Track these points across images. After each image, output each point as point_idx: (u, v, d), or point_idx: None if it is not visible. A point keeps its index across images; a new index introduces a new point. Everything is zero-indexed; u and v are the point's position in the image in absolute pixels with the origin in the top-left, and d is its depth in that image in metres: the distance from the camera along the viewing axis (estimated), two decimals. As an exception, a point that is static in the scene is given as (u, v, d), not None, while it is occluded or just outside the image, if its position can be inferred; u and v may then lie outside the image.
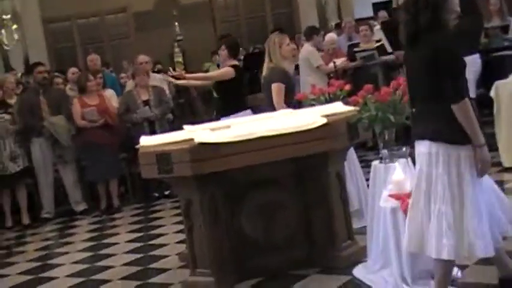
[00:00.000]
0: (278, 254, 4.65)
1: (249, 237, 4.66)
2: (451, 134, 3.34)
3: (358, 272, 4.34)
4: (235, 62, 6.47)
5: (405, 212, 3.87)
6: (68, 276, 5.59)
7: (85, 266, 5.81)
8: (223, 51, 6.46)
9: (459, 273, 4.04)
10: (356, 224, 5.04)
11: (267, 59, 5.93)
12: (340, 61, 8.83)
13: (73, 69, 9.28)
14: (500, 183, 6.21)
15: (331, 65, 8.75)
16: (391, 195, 3.94)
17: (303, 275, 4.51)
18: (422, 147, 3.47)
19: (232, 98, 6.33)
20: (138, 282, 5.10)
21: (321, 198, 4.64)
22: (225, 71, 6.32)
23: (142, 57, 8.42)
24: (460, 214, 3.30)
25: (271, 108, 5.69)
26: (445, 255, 3.31)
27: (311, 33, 9.12)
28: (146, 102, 7.93)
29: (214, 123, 5.38)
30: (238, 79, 6.37)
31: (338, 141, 4.56)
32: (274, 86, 5.77)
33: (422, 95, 3.46)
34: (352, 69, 8.94)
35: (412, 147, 3.66)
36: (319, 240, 4.67)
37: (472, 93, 7.57)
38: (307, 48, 8.82)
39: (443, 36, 3.39)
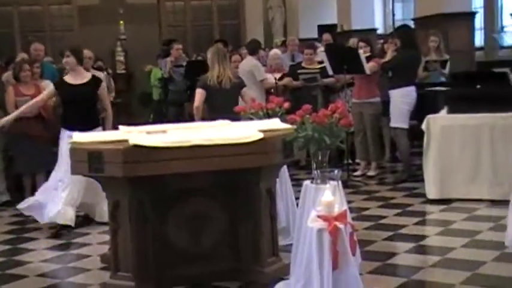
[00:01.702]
0: (202, 264, 4.62)
1: (175, 245, 4.62)
2: None
3: (280, 288, 4.34)
4: (88, 72, 6.74)
5: (331, 233, 3.92)
6: (-18, 268, 5.42)
7: (1, 259, 5.62)
8: (69, 58, 6.44)
9: None
10: (282, 241, 5.05)
11: (221, 67, 6.20)
12: (285, 81, 8.92)
13: (22, 55, 9.02)
14: (422, 214, 6.39)
15: (272, 79, 8.82)
16: (319, 216, 3.96)
17: (225, 288, 4.50)
18: None
19: (95, 114, 6.65)
20: (56, 281, 5.00)
21: (250, 213, 4.64)
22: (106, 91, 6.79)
23: (86, 52, 8.19)
24: None
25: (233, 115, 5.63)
26: None
27: (255, 47, 9.17)
28: (83, 98, 7.77)
29: (150, 126, 5.33)
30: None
31: (272, 158, 4.57)
32: (247, 90, 6.45)
33: None
34: (291, 88, 9.03)
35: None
36: (244, 254, 4.66)
37: (406, 124, 7.87)
38: (251, 61, 8.82)
39: None
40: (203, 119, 6.18)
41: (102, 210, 6.08)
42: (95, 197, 6.21)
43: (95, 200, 6.33)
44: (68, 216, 6.16)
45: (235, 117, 5.55)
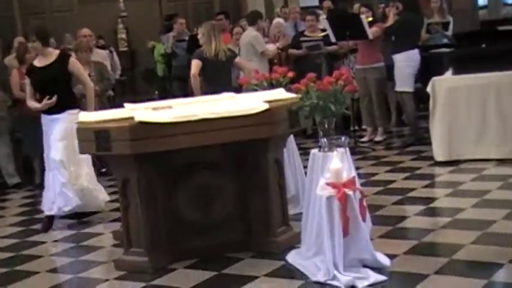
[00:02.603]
0: (214, 236, 4.64)
1: (186, 218, 4.64)
2: None
3: (292, 257, 4.36)
4: (56, 51, 6.18)
5: (341, 200, 3.92)
6: (-4, 250, 5.47)
7: (15, 240, 5.67)
8: (35, 43, 5.97)
9: (388, 261, 4.14)
10: (292, 210, 5.07)
11: (217, 41, 6.35)
12: (281, 43, 8.88)
13: (19, 39, 8.98)
14: (431, 177, 6.39)
15: (274, 48, 8.77)
16: (328, 184, 3.96)
17: (237, 259, 4.52)
18: None
19: (66, 95, 6.00)
20: (70, 259, 5.03)
21: (259, 183, 4.64)
22: (82, 68, 6.20)
23: (85, 30, 8.14)
24: None
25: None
26: None
27: (254, 17, 9.05)
28: (86, 78, 7.73)
29: (155, 103, 5.31)
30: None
31: (278, 128, 4.57)
32: (239, 60, 6.71)
33: None
34: (295, 57, 8.98)
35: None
36: (255, 225, 4.67)
37: (411, 88, 7.83)
38: (250, 32, 8.72)
39: None
40: (204, 93, 6.18)
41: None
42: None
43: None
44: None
45: (233, 87, 5.77)
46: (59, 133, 5.80)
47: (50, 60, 5.99)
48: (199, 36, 6.62)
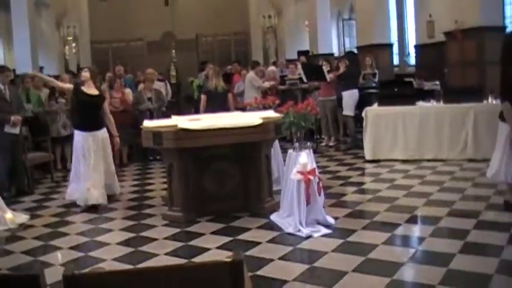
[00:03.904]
0: (225, 202, 4.56)
1: (207, 190, 4.55)
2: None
3: (273, 217, 4.28)
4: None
5: (305, 182, 3.84)
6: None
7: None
8: (86, 73, 5.24)
9: (333, 221, 4.06)
10: (275, 187, 4.96)
11: (216, 80, 6.29)
12: (272, 83, 8.80)
13: (109, 74, 8.92)
14: (362, 169, 6.31)
15: (267, 84, 8.69)
16: (298, 172, 3.90)
17: (239, 216, 4.43)
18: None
19: (100, 118, 5.28)
20: (135, 212, 4.93)
21: (254, 169, 4.56)
22: (107, 107, 5.40)
23: (149, 70, 8.12)
24: None
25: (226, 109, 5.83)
26: None
27: (254, 64, 9.06)
28: (149, 99, 7.67)
29: (191, 116, 5.23)
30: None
31: (268, 135, 4.48)
32: (230, 95, 6.44)
33: None
34: (281, 90, 8.89)
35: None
36: (251, 196, 4.59)
37: (352, 113, 7.76)
38: (251, 74, 8.70)
39: None
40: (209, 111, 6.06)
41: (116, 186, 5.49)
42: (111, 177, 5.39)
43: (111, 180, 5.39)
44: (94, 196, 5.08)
45: (226, 109, 5.85)
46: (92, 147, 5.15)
47: (95, 93, 5.24)
48: (206, 73, 6.60)
